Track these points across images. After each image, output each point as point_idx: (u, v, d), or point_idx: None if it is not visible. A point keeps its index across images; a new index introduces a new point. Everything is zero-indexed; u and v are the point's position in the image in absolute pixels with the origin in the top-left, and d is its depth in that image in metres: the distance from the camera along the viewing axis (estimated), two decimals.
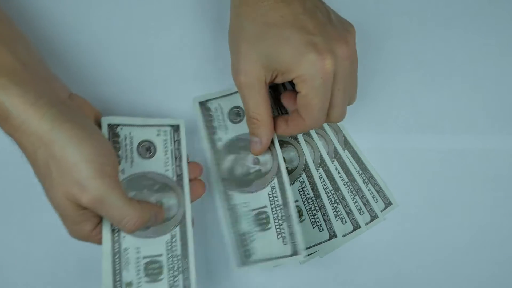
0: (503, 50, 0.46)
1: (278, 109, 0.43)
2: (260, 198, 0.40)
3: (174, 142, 0.39)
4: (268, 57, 0.34)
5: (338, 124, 0.45)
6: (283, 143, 0.43)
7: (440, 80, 0.45)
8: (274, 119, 0.38)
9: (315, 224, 0.43)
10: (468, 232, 0.44)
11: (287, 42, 0.33)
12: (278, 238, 0.37)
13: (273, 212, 0.40)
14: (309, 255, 0.43)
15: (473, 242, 0.44)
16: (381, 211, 0.44)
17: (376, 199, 0.44)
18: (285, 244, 0.37)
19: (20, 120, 0.30)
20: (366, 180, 0.44)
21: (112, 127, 0.37)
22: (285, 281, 0.43)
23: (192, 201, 0.38)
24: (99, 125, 0.36)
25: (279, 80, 0.36)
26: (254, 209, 0.40)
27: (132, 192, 0.36)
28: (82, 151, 0.31)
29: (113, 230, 0.35)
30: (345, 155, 0.44)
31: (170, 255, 0.36)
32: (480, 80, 0.46)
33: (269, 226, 0.39)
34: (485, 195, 0.45)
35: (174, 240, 0.37)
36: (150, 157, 0.38)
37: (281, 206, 0.39)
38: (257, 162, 0.41)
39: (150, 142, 0.38)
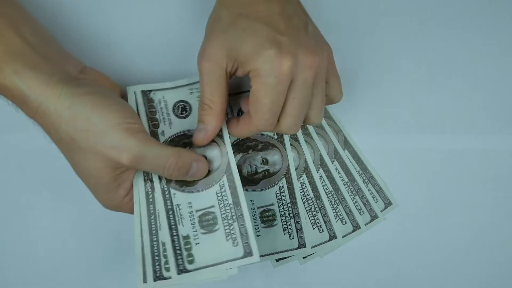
0: (503, 50, 0.46)
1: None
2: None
3: None
4: (232, 45, 0.34)
5: (338, 124, 0.45)
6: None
7: (440, 80, 0.45)
8: (229, 119, 0.38)
9: (315, 225, 0.43)
10: (468, 232, 0.44)
11: (253, 34, 0.33)
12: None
13: (281, 211, 0.41)
14: (309, 255, 0.43)
15: (473, 242, 0.44)
16: (381, 211, 0.44)
17: (376, 199, 0.44)
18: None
19: (38, 102, 0.31)
20: (366, 180, 0.44)
21: (145, 93, 0.39)
22: (285, 281, 0.43)
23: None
24: (119, 94, 0.37)
25: (239, 72, 0.35)
26: (260, 207, 0.41)
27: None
28: (107, 117, 0.32)
29: (162, 190, 0.36)
30: (345, 155, 0.44)
31: (222, 204, 0.37)
32: (480, 80, 0.46)
33: (275, 223, 0.40)
34: (485, 195, 0.45)
35: (223, 190, 0.37)
36: (187, 115, 0.39)
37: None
38: (265, 162, 0.41)
39: (184, 101, 0.40)
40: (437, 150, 0.45)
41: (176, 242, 0.35)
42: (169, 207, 0.36)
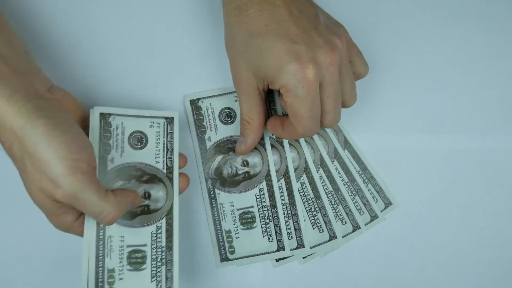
0: (503, 50, 0.46)
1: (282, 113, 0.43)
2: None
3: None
4: (255, 67, 0.35)
5: (338, 124, 0.45)
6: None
7: (440, 80, 0.45)
8: (273, 117, 0.40)
9: (315, 225, 0.43)
10: (468, 232, 0.44)
11: (269, 52, 0.34)
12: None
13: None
14: (309, 255, 0.43)
15: (473, 242, 0.44)
16: (381, 211, 0.44)
17: (376, 199, 0.44)
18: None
19: None
20: (366, 180, 0.44)
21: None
22: (285, 281, 0.43)
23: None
24: (83, 117, 0.37)
25: (271, 88, 0.36)
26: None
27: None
28: (54, 148, 0.31)
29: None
30: (345, 155, 0.44)
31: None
32: (480, 80, 0.46)
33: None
34: (485, 195, 0.45)
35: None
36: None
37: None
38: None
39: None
40: (437, 150, 0.45)
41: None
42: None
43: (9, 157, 0.32)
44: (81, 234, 0.35)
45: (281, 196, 0.42)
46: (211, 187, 0.42)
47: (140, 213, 0.37)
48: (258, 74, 0.36)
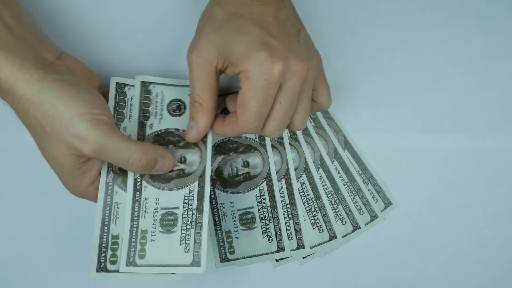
0: (503, 50, 0.46)
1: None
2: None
3: None
4: (224, 43, 0.34)
5: (338, 124, 0.45)
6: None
7: (440, 80, 0.45)
8: (216, 119, 0.38)
9: (315, 225, 0.43)
10: (468, 232, 0.44)
11: (245, 35, 0.33)
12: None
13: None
14: (309, 255, 0.43)
15: (473, 242, 0.44)
16: (381, 211, 0.44)
17: (376, 199, 0.44)
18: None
19: (9, 84, 0.31)
20: (366, 180, 0.44)
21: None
22: (285, 281, 0.43)
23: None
24: (94, 84, 0.37)
25: (228, 72, 0.35)
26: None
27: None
28: (73, 106, 0.32)
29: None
30: (345, 155, 0.44)
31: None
32: (480, 80, 0.46)
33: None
34: (485, 195, 0.45)
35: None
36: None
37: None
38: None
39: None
40: (437, 150, 0.45)
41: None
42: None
43: (25, 125, 0.33)
44: (94, 199, 0.36)
45: (282, 196, 0.43)
46: (211, 187, 0.42)
47: (175, 176, 0.38)
48: (223, 51, 0.34)
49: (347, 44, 0.45)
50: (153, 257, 0.36)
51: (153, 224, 0.37)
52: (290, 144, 0.43)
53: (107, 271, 0.36)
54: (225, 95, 0.42)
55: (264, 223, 0.41)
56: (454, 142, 0.45)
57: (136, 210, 0.36)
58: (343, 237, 0.43)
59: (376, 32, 0.45)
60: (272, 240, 0.42)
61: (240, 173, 0.42)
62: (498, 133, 0.45)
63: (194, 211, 0.37)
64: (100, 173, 0.36)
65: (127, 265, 0.35)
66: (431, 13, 0.46)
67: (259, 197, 0.42)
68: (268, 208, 0.42)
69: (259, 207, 0.42)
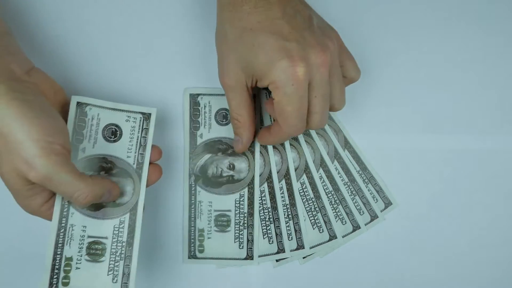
0: (503, 50, 0.46)
1: (270, 119, 0.44)
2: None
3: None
4: (245, 62, 0.35)
5: (338, 124, 0.45)
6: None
7: (440, 80, 0.45)
8: (261, 129, 0.40)
9: (315, 225, 0.43)
10: (468, 232, 0.44)
11: (261, 48, 0.34)
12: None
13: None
14: (309, 255, 0.43)
15: (473, 242, 0.44)
16: (381, 211, 0.44)
17: (376, 199, 0.44)
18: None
19: None
20: (366, 180, 0.44)
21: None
22: (285, 281, 0.43)
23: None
24: (63, 101, 0.37)
25: (260, 85, 0.36)
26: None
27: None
28: (28, 130, 0.31)
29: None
30: (345, 155, 0.44)
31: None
32: (480, 80, 0.46)
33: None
34: (485, 195, 0.45)
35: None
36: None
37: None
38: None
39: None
40: (437, 150, 0.45)
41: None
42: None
43: None
44: (48, 218, 0.35)
45: (282, 197, 0.43)
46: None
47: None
48: (247, 70, 0.35)
49: (347, 44, 0.45)
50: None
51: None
52: (290, 144, 0.43)
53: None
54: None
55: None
56: (454, 142, 0.45)
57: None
58: (343, 237, 0.43)
59: (376, 32, 0.45)
60: (272, 241, 0.42)
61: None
62: (498, 133, 0.45)
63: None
64: (52, 194, 0.35)
65: (189, 258, 0.39)
66: (431, 13, 0.46)
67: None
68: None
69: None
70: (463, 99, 0.45)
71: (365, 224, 0.44)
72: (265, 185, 0.43)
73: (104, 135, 0.38)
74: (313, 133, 0.44)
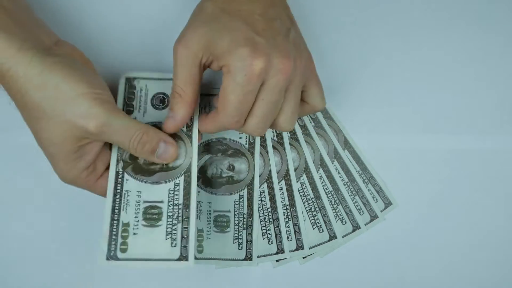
0: (503, 50, 0.46)
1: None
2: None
3: None
4: (211, 38, 0.34)
5: (338, 124, 0.45)
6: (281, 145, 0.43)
7: (440, 80, 0.45)
8: (200, 115, 0.38)
9: (315, 225, 0.43)
10: (468, 232, 0.44)
11: (231, 31, 0.33)
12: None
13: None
14: (309, 255, 0.43)
15: (473, 242, 0.44)
16: (381, 211, 0.44)
17: (376, 199, 0.44)
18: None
19: (8, 65, 0.31)
20: (366, 180, 0.44)
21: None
22: (285, 281, 0.43)
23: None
24: (92, 69, 0.37)
25: (213, 66, 0.35)
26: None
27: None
28: (76, 86, 0.32)
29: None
30: (345, 155, 0.44)
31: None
32: (480, 80, 0.46)
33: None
34: (485, 195, 0.45)
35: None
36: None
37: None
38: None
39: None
40: (437, 150, 0.45)
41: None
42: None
43: (19, 108, 0.33)
44: (85, 186, 0.36)
45: (281, 197, 0.43)
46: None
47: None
48: (208, 47, 0.34)
49: (347, 44, 0.45)
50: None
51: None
52: (290, 144, 0.43)
53: (117, 259, 0.35)
54: (210, 95, 0.42)
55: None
56: (454, 142, 0.45)
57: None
58: (343, 237, 0.43)
59: (376, 32, 0.45)
60: (272, 241, 0.42)
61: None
62: (498, 133, 0.45)
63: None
64: (95, 159, 0.35)
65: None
66: (431, 13, 0.46)
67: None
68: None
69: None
70: (463, 99, 0.45)
71: (365, 224, 0.44)
72: (265, 185, 0.43)
73: (153, 103, 0.40)
74: (313, 133, 0.44)
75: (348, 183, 0.44)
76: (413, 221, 0.44)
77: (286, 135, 0.44)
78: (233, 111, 0.34)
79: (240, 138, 0.43)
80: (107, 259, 0.35)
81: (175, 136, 0.38)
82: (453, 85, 0.45)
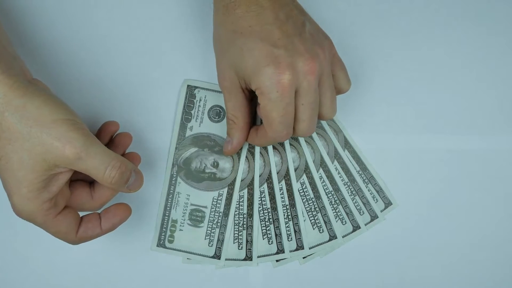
0: (503, 49, 0.46)
1: None
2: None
3: None
4: (236, 65, 0.35)
5: (338, 124, 0.45)
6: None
7: (440, 80, 0.45)
8: (251, 128, 0.40)
9: (315, 225, 0.43)
10: (468, 232, 0.44)
11: (249, 53, 0.34)
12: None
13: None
14: (309, 255, 0.43)
15: (473, 242, 0.44)
16: (381, 211, 0.44)
17: (376, 199, 0.44)
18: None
19: None
20: (366, 180, 0.44)
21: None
22: (285, 281, 0.43)
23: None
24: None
25: (253, 88, 0.36)
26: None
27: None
28: (57, 111, 0.32)
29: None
30: (345, 155, 0.44)
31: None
32: (480, 80, 0.46)
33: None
34: (485, 195, 0.45)
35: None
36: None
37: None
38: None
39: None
40: (437, 150, 0.45)
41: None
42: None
43: None
44: (41, 220, 0.33)
45: (282, 197, 0.43)
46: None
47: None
48: (239, 73, 0.36)
49: (347, 44, 0.45)
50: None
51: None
52: (290, 144, 0.43)
53: (165, 247, 0.42)
54: None
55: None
56: (454, 142, 0.45)
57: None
58: (343, 237, 0.43)
59: (376, 32, 0.45)
60: (272, 241, 0.42)
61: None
62: (498, 133, 0.45)
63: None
64: (58, 193, 0.34)
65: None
66: (431, 13, 0.46)
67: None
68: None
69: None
70: (463, 99, 0.45)
71: (365, 224, 0.44)
72: (265, 185, 0.43)
73: (209, 115, 0.43)
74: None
75: (348, 183, 0.44)
76: (413, 221, 0.44)
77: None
78: (279, 126, 0.35)
79: None
80: (157, 246, 0.42)
81: None
82: (453, 85, 0.45)
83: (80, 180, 0.37)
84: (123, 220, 0.37)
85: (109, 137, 0.40)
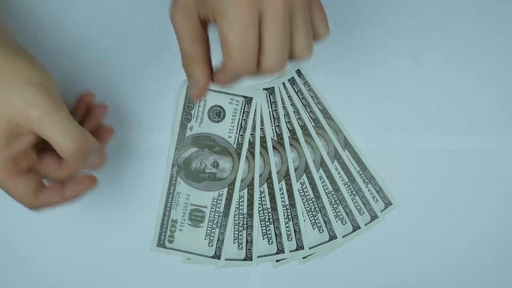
0: (503, 49, 0.46)
1: None
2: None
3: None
4: None
5: (338, 124, 0.45)
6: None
7: (440, 80, 0.45)
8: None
9: (315, 225, 0.43)
10: (468, 232, 0.44)
11: None
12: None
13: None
14: (309, 255, 0.43)
15: (473, 242, 0.44)
16: (381, 211, 0.44)
17: (376, 199, 0.44)
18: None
19: None
20: (366, 180, 0.44)
21: None
22: (285, 281, 0.43)
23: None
24: None
25: (211, 19, 0.32)
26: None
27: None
28: (33, 75, 0.31)
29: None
30: (345, 155, 0.44)
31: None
32: (480, 80, 0.46)
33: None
34: (485, 195, 0.45)
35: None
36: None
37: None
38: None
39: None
40: (437, 150, 0.45)
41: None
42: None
43: None
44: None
45: (282, 197, 0.43)
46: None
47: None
48: (199, 1, 0.32)
49: (347, 44, 0.45)
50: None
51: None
52: (290, 144, 0.43)
53: (165, 247, 0.42)
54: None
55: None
56: (454, 142, 0.45)
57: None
58: (343, 237, 0.43)
59: (376, 31, 0.45)
60: (272, 241, 0.42)
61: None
62: (498, 133, 0.45)
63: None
64: (20, 154, 0.33)
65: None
66: (431, 13, 0.46)
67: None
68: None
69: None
70: (463, 99, 0.45)
71: (365, 224, 0.44)
72: (265, 185, 0.43)
73: (209, 115, 0.42)
74: (313, 133, 0.44)
75: (348, 183, 0.44)
76: (413, 221, 0.44)
77: (286, 135, 0.43)
78: (238, 53, 0.31)
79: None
80: (157, 246, 0.42)
81: (225, 151, 0.42)
82: (453, 85, 0.45)
83: (51, 149, 0.35)
84: (86, 189, 0.35)
85: (85, 108, 0.39)
